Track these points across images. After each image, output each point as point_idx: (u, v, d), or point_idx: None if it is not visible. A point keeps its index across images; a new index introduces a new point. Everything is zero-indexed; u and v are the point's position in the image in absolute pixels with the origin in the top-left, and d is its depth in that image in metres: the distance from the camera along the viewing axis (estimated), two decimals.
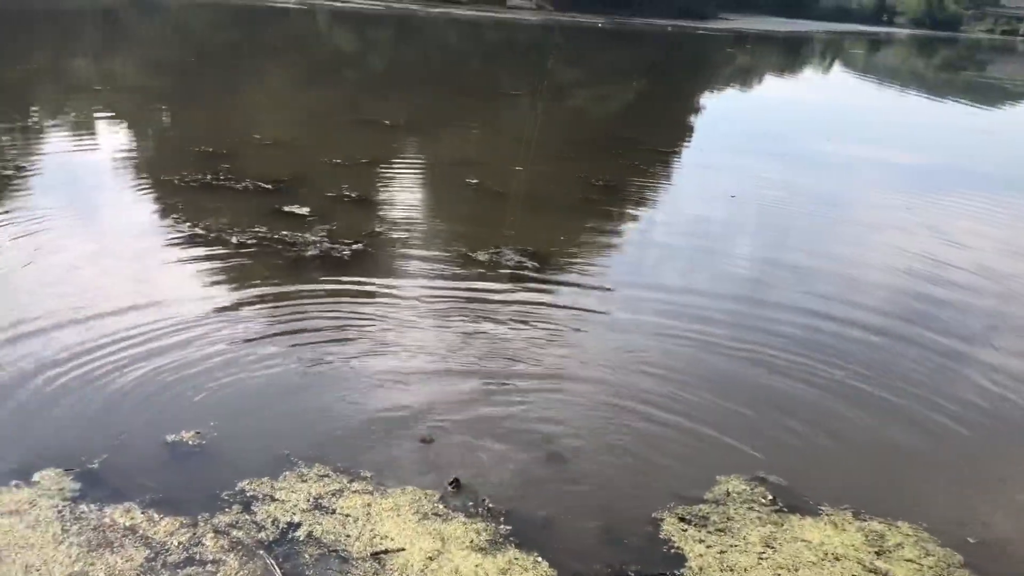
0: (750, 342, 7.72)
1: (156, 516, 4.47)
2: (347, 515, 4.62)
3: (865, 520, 4.96)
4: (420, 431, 5.55)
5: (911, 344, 7.99)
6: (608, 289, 9.10)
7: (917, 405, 6.61)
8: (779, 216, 13.24)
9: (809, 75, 48.65)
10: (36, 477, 4.72)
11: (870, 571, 4.49)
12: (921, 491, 5.43)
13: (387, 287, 8.42)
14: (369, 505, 4.72)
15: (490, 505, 4.83)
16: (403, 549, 4.37)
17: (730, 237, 11.85)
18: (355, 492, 4.84)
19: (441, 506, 4.77)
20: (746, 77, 41.91)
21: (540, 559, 4.39)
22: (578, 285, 9.01)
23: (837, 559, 4.58)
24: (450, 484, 4.99)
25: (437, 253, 9.80)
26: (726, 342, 7.69)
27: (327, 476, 4.98)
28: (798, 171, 17.10)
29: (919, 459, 5.85)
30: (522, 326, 7.68)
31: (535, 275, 9.09)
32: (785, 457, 5.66)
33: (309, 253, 9.03)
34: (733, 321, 8.28)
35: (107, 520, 4.40)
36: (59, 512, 4.43)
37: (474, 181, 12.99)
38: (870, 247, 11.69)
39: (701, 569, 4.42)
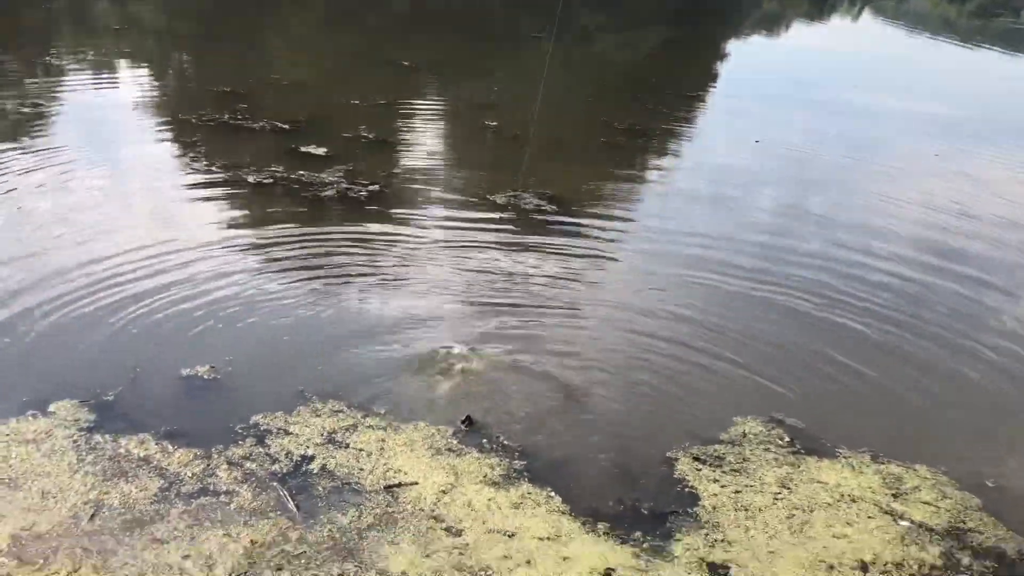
0: (772, 285, 7.60)
1: (170, 447, 4.48)
2: (361, 450, 4.61)
3: (883, 463, 4.90)
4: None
5: (936, 291, 7.85)
6: (629, 231, 8.98)
7: (941, 350, 6.51)
8: (804, 161, 12.98)
9: (838, 22, 47.47)
10: (52, 408, 4.74)
11: (886, 513, 4.44)
12: (941, 435, 5.35)
13: (404, 227, 8.34)
14: (383, 440, 4.71)
15: (504, 441, 4.81)
16: (416, 483, 4.36)
17: (754, 181, 11.64)
18: (369, 428, 4.82)
19: (455, 442, 4.76)
20: (773, 24, 40.95)
21: (553, 494, 4.37)
22: (598, 227, 8.89)
23: (854, 501, 4.52)
24: (462, 422, 4.96)
25: (455, 195, 9.70)
26: (748, 284, 7.58)
27: (341, 412, 4.97)
28: (825, 119, 16.71)
29: (940, 404, 5.75)
30: (540, 265, 7.60)
31: (554, 217, 8.97)
32: (804, 399, 5.58)
33: (326, 193, 8.96)
34: (755, 264, 8.15)
35: (122, 450, 4.42)
36: (74, 442, 4.45)
37: (493, 124, 12.81)
38: (898, 193, 11.44)
39: (715, 508, 4.38)
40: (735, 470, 4.73)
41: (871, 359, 6.27)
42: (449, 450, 4.68)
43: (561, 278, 7.41)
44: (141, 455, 4.39)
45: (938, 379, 6.06)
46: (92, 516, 3.88)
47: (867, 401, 5.71)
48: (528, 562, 3.83)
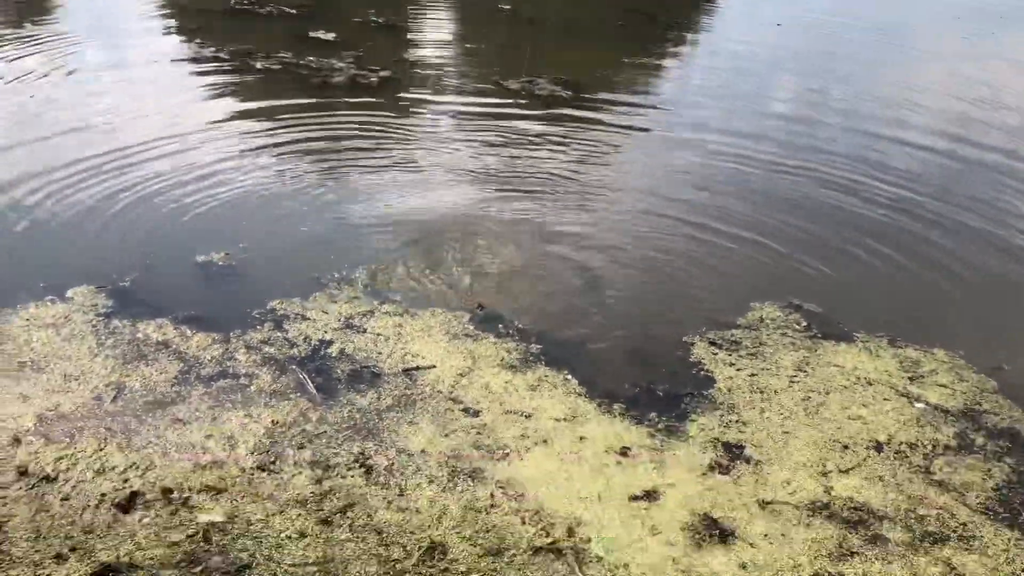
0: (793, 171, 7.47)
1: (188, 332, 4.50)
2: (378, 334, 4.62)
3: (900, 347, 4.88)
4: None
5: (960, 173, 7.69)
6: (647, 116, 8.77)
7: (964, 238, 6.40)
8: (828, 42, 12.56)
9: None
10: (69, 293, 4.75)
11: (902, 395, 4.44)
12: (960, 320, 5.31)
13: (416, 113, 8.18)
14: (400, 326, 4.72)
15: (520, 326, 4.80)
16: (434, 366, 4.38)
17: (776, 65, 11.30)
18: (385, 313, 4.82)
19: (471, 327, 4.75)
20: None
21: (569, 377, 4.39)
22: (616, 112, 8.70)
23: (870, 383, 4.53)
24: (476, 307, 4.95)
25: (467, 81, 9.48)
26: (768, 170, 7.45)
27: (357, 298, 4.96)
28: (851, 1, 16.08)
29: (961, 289, 5.69)
30: (555, 151, 7.47)
31: (570, 102, 8.77)
32: (822, 284, 5.54)
33: (336, 79, 8.76)
34: (775, 149, 7.98)
35: (140, 335, 4.44)
36: (93, 326, 4.48)
37: (507, 7, 12.39)
38: (925, 73, 11.09)
39: (730, 391, 4.39)
40: (751, 354, 4.73)
41: (893, 245, 6.18)
42: (466, 335, 4.68)
43: (577, 163, 7.28)
44: (160, 339, 4.42)
45: (960, 265, 5.97)
46: (115, 398, 3.93)
47: (887, 286, 5.66)
48: (545, 441, 3.87)
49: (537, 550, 3.25)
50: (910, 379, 4.59)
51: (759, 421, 4.16)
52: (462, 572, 3.10)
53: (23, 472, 3.42)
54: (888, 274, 5.79)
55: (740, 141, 8.11)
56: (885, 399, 4.41)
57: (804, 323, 5.04)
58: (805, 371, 4.60)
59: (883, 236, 6.33)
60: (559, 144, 7.61)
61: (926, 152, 8.26)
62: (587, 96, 9.04)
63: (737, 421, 4.15)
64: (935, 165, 7.87)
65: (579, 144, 7.67)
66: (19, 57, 8.74)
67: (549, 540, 3.30)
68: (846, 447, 4.02)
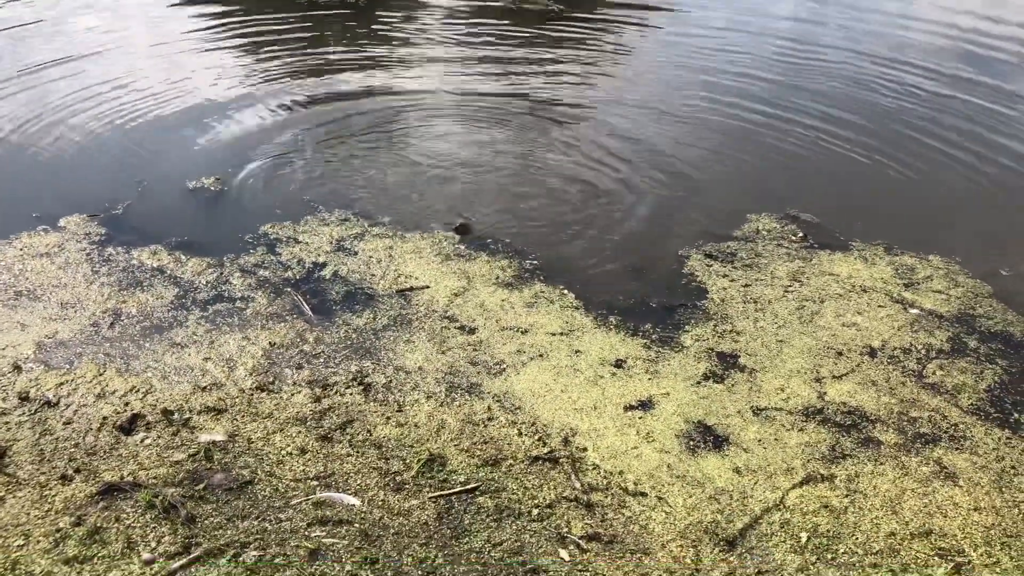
0: (793, 86, 7.35)
1: (183, 257, 4.49)
2: (370, 256, 4.61)
3: (896, 255, 4.87)
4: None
5: (958, 93, 7.54)
6: (648, 27, 8.59)
7: (960, 150, 6.31)
8: None
9: None
10: (62, 222, 4.73)
11: (897, 302, 4.45)
12: (957, 228, 5.28)
13: (407, 33, 8.01)
14: (391, 248, 4.70)
15: (514, 245, 4.79)
16: (428, 286, 4.39)
17: None
18: (376, 236, 4.80)
19: (462, 248, 4.74)
20: None
21: (566, 291, 4.40)
22: (615, 20, 8.51)
23: (864, 291, 4.53)
24: (456, 229, 4.87)
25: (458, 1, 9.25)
26: (768, 86, 7.33)
27: (347, 220, 4.94)
28: None
29: (958, 199, 5.65)
30: (552, 59, 7.33)
31: (565, 11, 8.57)
32: (819, 195, 5.50)
33: None
34: (775, 66, 7.84)
35: (135, 261, 4.44)
36: (87, 255, 4.47)
37: None
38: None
39: (723, 301, 4.40)
40: (747, 265, 4.72)
41: (889, 156, 6.12)
42: (458, 255, 4.67)
43: (574, 73, 7.16)
44: (154, 265, 4.42)
45: (957, 176, 5.92)
46: (112, 324, 3.95)
47: (884, 196, 5.61)
48: (541, 355, 3.90)
49: (534, 460, 3.30)
50: (905, 286, 4.60)
51: (753, 331, 4.18)
52: (461, 483, 3.16)
53: (24, 398, 3.46)
54: (885, 185, 5.75)
55: (740, 58, 7.96)
56: (880, 306, 4.42)
57: (800, 233, 5.02)
58: (800, 281, 4.60)
59: (883, 145, 6.26)
60: (553, 53, 7.47)
61: (922, 67, 8.11)
62: (580, 11, 8.83)
63: (731, 331, 4.17)
64: (931, 83, 7.73)
65: (575, 52, 7.52)
66: None
67: (546, 450, 3.35)
68: (840, 354, 4.04)
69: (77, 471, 3.11)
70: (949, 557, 2.98)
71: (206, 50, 7.31)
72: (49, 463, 3.15)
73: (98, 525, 2.85)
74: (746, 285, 4.55)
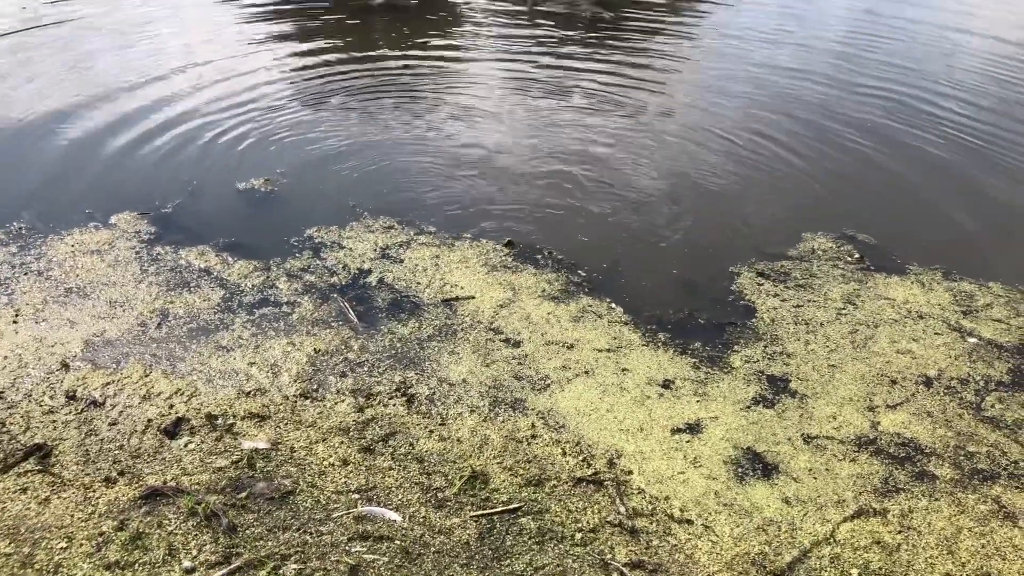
0: (854, 101, 7.20)
1: (230, 259, 4.50)
2: (416, 264, 4.58)
3: (955, 280, 4.73)
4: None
5: (1015, 115, 7.33)
6: (695, 36, 8.48)
7: (1021, 172, 6.13)
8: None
9: None
10: (113, 220, 4.77)
11: (954, 330, 4.32)
12: (1019, 254, 5.11)
13: (455, 39, 7.98)
14: (437, 256, 4.67)
15: (561, 257, 4.73)
16: (473, 297, 4.35)
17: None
18: (422, 244, 4.78)
19: (509, 259, 4.69)
20: None
21: (614, 306, 4.33)
22: (663, 31, 8.41)
23: (921, 317, 4.40)
24: (505, 244, 4.83)
25: (505, 3, 9.21)
26: (828, 99, 7.18)
27: (393, 228, 4.92)
28: None
29: (1020, 223, 5.47)
30: (598, 75, 7.26)
31: (612, 22, 8.48)
32: (878, 215, 5.36)
33: (376, 1, 8.55)
34: (834, 76, 7.69)
35: (183, 262, 4.46)
36: (137, 253, 4.50)
37: None
38: (981, 9, 10.56)
39: (773, 321, 4.30)
40: (800, 285, 4.61)
41: (953, 176, 5.97)
42: (504, 267, 4.63)
43: (623, 86, 7.08)
44: (202, 266, 4.43)
45: (1020, 201, 5.73)
46: (159, 324, 3.97)
47: (945, 219, 5.46)
48: (587, 372, 3.84)
49: (578, 481, 3.24)
50: (963, 313, 4.46)
51: (804, 354, 4.07)
52: (503, 502, 3.11)
53: (72, 397, 3.48)
54: (947, 208, 5.59)
55: (795, 65, 7.82)
56: (936, 333, 4.29)
57: (856, 254, 4.90)
58: (854, 304, 4.48)
59: (943, 167, 6.11)
60: (601, 68, 7.39)
61: (981, 87, 7.90)
62: (632, 20, 8.74)
63: (781, 353, 4.07)
64: (997, 98, 7.52)
65: (623, 67, 7.44)
66: None
67: (590, 471, 3.29)
68: (894, 382, 3.93)
69: (121, 473, 3.11)
70: None
71: (260, 51, 7.36)
72: (94, 464, 3.15)
73: (140, 530, 2.85)
74: (798, 306, 4.44)
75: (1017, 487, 3.37)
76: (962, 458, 3.50)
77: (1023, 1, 10.39)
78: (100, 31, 7.69)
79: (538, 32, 8.27)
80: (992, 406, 3.82)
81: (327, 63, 7.25)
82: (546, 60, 7.59)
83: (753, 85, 7.35)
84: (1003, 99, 7.44)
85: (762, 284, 4.60)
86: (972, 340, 4.25)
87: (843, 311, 4.42)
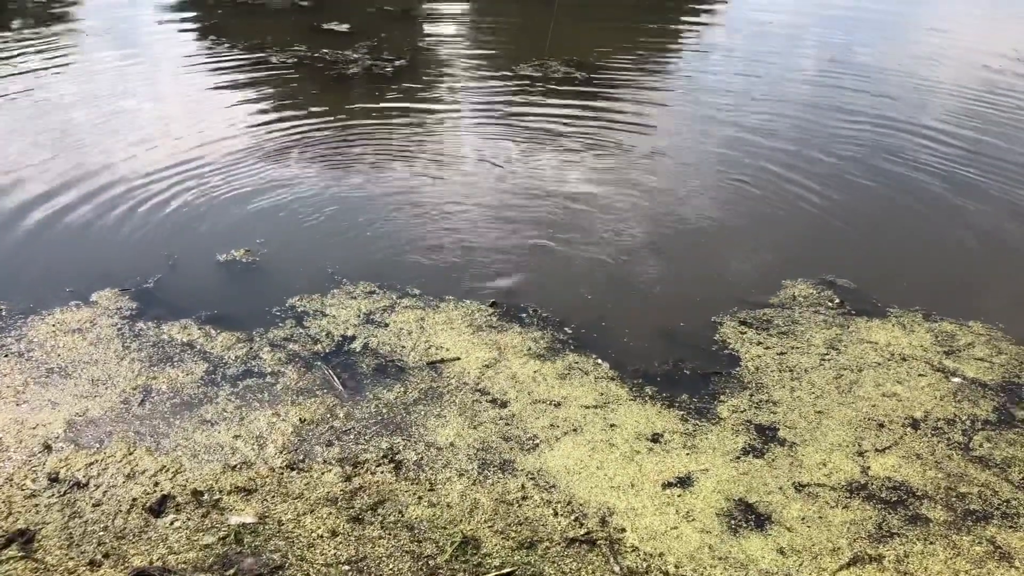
0: (822, 146, 7.33)
1: (212, 332, 4.49)
2: (400, 328, 4.58)
3: (935, 321, 4.77)
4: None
5: (997, 153, 7.49)
6: (669, 90, 8.65)
7: (997, 209, 6.24)
8: (853, 13, 12.32)
9: None
10: (94, 297, 4.76)
11: (938, 370, 4.34)
12: (998, 291, 5.18)
13: (432, 103, 8.11)
14: (422, 319, 4.68)
15: (545, 315, 4.74)
16: (459, 358, 4.34)
17: (798, 36, 11.10)
18: (406, 307, 4.78)
19: (494, 319, 4.70)
20: None
21: (600, 361, 4.33)
22: (632, 90, 8.57)
23: (904, 360, 4.43)
24: (489, 304, 4.83)
25: (482, 68, 9.38)
26: (796, 145, 7.31)
27: (374, 292, 4.92)
28: None
29: (997, 262, 5.55)
30: (572, 133, 7.37)
31: (585, 83, 8.66)
32: (857, 260, 5.41)
33: (351, 71, 8.72)
34: (801, 123, 7.85)
35: (165, 336, 4.44)
36: (119, 330, 4.48)
37: None
38: (953, 43, 10.86)
39: (758, 369, 4.32)
40: (782, 332, 4.64)
41: (929, 216, 6.07)
42: (490, 326, 4.63)
43: (596, 146, 7.19)
44: (184, 340, 4.42)
45: (998, 236, 5.83)
46: (142, 401, 3.93)
47: (922, 260, 5.53)
48: (575, 430, 3.82)
49: (571, 541, 3.20)
50: (946, 353, 4.49)
51: (790, 401, 4.08)
52: (496, 567, 3.06)
53: (54, 479, 3.43)
54: (923, 248, 5.68)
55: (762, 115, 7.98)
56: (920, 375, 4.32)
57: (837, 299, 4.94)
58: (837, 349, 4.51)
59: (919, 207, 6.22)
60: (573, 128, 7.52)
61: (954, 121, 8.08)
62: (603, 77, 8.93)
63: (767, 401, 4.07)
64: (973, 134, 7.70)
65: (596, 126, 7.57)
66: (31, 58, 8.76)
67: (583, 531, 3.26)
68: (881, 425, 3.93)
69: (106, 556, 3.05)
70: None
71: (235, 125, 7.43)
72: (78, 547, 3.09)
73: None
74: (781, 353, 4.46)
75: (1011, 527, 3.36)
76: (954, 499, 3.50)
77: (990, 38, 10.69)
78: (69, 103, 7.76)
79: (512, 87, 8.42)
80: (980, 445, 3.82)
81: (307, 131, 7.33)
82: (523, 115, 7.72)
83: (726, 136, 7.48)
84: (978, 139, 7.61)
85: (745, 333, 4.63)
86: (956, 380, 4.28)
87: (826, 356, 4.44)
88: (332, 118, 7.57)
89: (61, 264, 5.17)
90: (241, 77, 8.58)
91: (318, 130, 7.33)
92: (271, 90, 8.33)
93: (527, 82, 8.70)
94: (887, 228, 5.93)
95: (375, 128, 7.39)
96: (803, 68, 9.82)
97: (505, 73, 9.03)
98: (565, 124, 7.63)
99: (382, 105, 7.94)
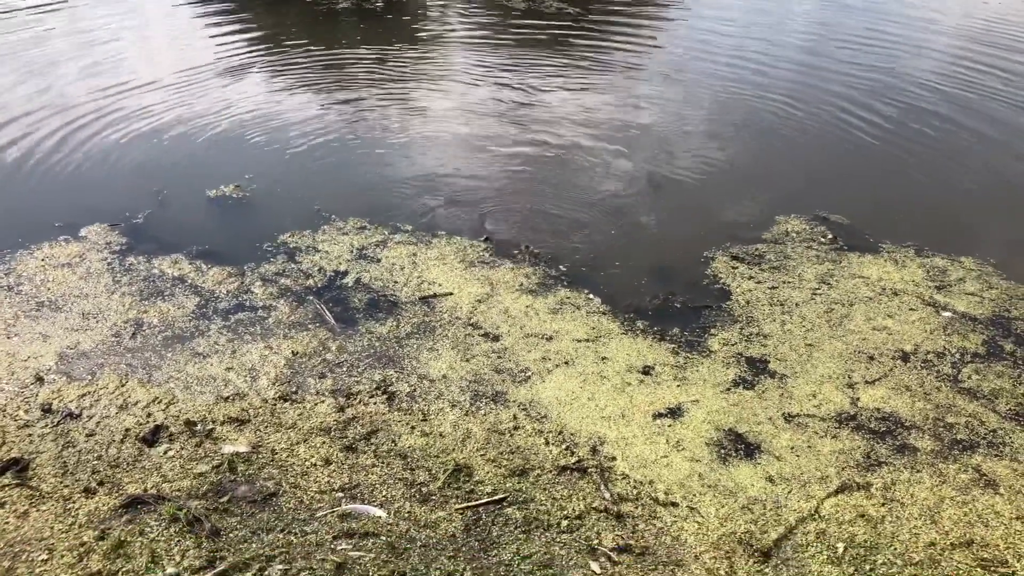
0: (817, 92, 7.26)
1: (203, 266, 4.46)
2: (392, 264, 4.57)
3: (928, 256, 4.78)
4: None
5: (990, 92, 7.42)
6: (661, 38, 8.52)
7: (993, 144, 6.22)
8: None
9: None
10: (83, 232, 4.72)
11: (929, 304, 4.36)
12: (991, 229, 5.18)
13: (422, 39, 7.97)
14: (414, 255, 4.66)
15: (536, 251, 4.73)
16: (451, 293, 4.34)
17: None
18: (398, 243, 4.76)
19: (486, 255, 4.68)
20: None
21: (592, 296, 4.33)
22: (626, 27, 8.44)
23: (895, 294, 4.44)
24: (483, 240, 4.81)
25: (473, 2, 9.21)
26: (792, 91, 7.24)
27: (365, 228, 4.89)
28: None
29: (991, 199, 5.54)
30: (563, 75, 7.27)
31: (577, 18, 8.51)
32: (850, 196, 5.40)
33: (341, 5, 8.53)
34: (797, 72, 7.75)
35: (156, 271, 4.41)
36: (108, 264, 4.45)
37: None
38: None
39: (749, 303, 4.32)
40: (774, 267, 4.64)
41: (921, 158, 6.03)
42: (482, 262, 4.62)
43: (587, 85, 7.09)
44: (175, 275, 4.39)
45: (991, 177, 5.82)
46: (134, 334, 3.92)
47: (915, 198, 5.52)
48: (567, 363, 3.84)
49: (562, 469, 3.24)
50: (937, 288, 4.50)
51: (780, 334, 4.10)
52: (488, 494, 3.10)
53: (47, 410, 3.44)
54: (917, 186, 5.66)
55: (761, 61, 7.87)
56: (911, 309, 4.33)
57: (830, 235, 4.93)
58: (829, 283, 4.51)
59: (914, 147, 6.18)
60: (566, 68, 7.41)
61: (945, 70, 8.00)
62: (595, 11, 8.77)
63: (759, 335, 4.09)
64: (963, 78, 7.61)
65: (588, 63, 7.46)
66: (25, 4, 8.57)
67: (574, 459, 3.29)
68: (871, 358, 3.96)
69: (100, 484, 3.07)
70: (992, 568, 2.88)
71: (224, 60, 7.30)
72: (72, 476, 3.11)
73: (122, 539, 2.81)
74: (773, 287, 4.46)
75: (997, 455, 3.40)
76: (941, 429, 3.53)
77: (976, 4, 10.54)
78: (59, 40, 7.61)
79: (505, 23, 8.28)
80: (969, 377, 3.85)
81: (299, 69, 7.21)
82: (515, 47, 7.60)
83: (723, 76, 7.39)
84: (969, 82, 7.53)
85: (737, 267, 4.63)
86: (947, 314, 4.29)
87: (818, 291, 4.45)
88: (321, 57, 7.44)
89: (49, 199, 5.12)
90: (230, 14, 8.40)
91: (308, 67, 7.21)
92: (260, 26, 8.17)
93: (516, 19, 8.54)
94: (882, 167, 5.89)
95: (364, 68, 7.27)
96: (806, 14, 9.66)
97: (494, 10, 8.86)
98: (552, 64, 7.51)
99: (371, 44, 7.79)
